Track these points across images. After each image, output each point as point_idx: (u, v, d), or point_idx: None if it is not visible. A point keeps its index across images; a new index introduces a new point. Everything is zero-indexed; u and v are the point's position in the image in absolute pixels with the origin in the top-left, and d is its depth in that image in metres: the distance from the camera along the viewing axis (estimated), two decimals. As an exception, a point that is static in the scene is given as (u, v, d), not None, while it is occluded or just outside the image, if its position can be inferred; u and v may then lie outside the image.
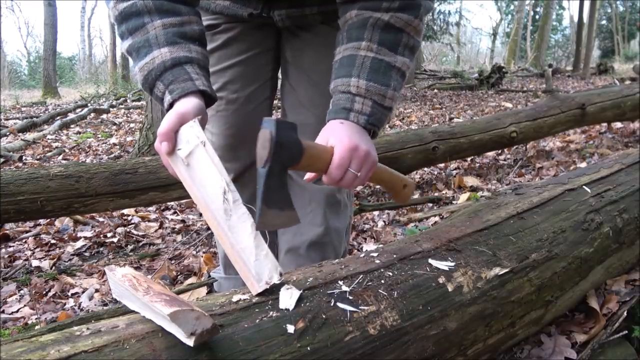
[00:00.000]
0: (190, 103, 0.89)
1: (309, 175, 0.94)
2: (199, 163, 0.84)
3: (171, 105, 0.91)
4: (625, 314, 1.31)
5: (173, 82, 0.91)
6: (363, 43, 0.97)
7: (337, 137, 0.90)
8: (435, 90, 10.89)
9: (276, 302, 0.79)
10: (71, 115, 7.98)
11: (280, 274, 0.82)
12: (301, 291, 0.82)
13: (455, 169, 3.64)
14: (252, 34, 1.31)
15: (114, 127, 7.06)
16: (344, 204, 1.41)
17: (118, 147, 5.37)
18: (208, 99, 0.94)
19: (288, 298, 0.79)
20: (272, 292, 0.81)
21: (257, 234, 0.82)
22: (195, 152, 0.84)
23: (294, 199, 1.37)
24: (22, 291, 1.93)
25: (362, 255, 0.99)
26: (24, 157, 4.75)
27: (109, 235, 2.53)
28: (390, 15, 0.96)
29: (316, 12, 1.21)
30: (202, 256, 2.14)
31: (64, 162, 4.70)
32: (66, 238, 2.51)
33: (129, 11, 0.95)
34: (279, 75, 1.43)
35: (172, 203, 2.92)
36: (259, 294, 0.80)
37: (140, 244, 2.44)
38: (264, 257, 0.81)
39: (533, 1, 28.97)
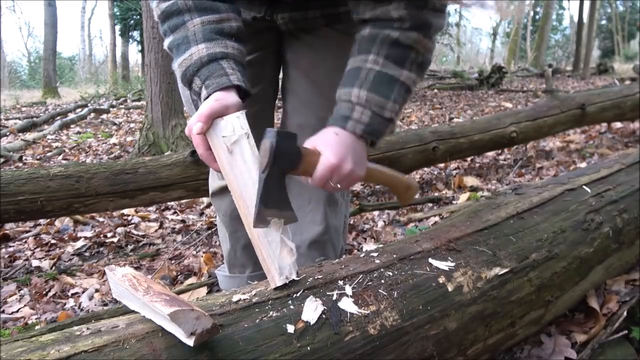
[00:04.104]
0: (231, 96, 0.92)
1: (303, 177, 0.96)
2: (241, 152, 0.88)
3: None
4: (625, 314, 1.31)
5: (209, 77, 0.94)
6: (370, 56, 0.99)
7: (327, 150, 0.92)
8: (435, 90, 10.87)
9: (277, 302, 0.80)
10: (71, 115, 7.98)
11: (297, 273, 0.85)
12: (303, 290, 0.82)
13: (455, 169, 3.64)
14: (256, 36, 1.31)
15: (114, 127, 7.05)
16: (340, 202, 1.43)
17: (118, 147, 5.37)
18: (243, 93, 0.96)
19: (312, 310, 0.80)
20: (286, 288, 0.83)
21: (284, 230, 0.85)
22: (239, 142, 0.89)
23: (294, 197, 1.38)
24: (22, 291, 1.93)
25: (362, 255, 0.99)
26: (24, 157, 4.75)
27: (109, 235, 2.53)
28: (400, 32, 0.98)
29: (319, 15, 1.22)
30: (202, 256, 2.14)
31: (64, 162, 4.70)
32: (66, 238, 2.51)
33: (170, 10, 0.99)
34: (281, 76, 1.43)
35: (172, 203, 2.93)
36: (277, 288, 0.83)
37: (140, 244, 2.44)
38: (287, 254, 0.85)
39: (533, 1, 28.95)
